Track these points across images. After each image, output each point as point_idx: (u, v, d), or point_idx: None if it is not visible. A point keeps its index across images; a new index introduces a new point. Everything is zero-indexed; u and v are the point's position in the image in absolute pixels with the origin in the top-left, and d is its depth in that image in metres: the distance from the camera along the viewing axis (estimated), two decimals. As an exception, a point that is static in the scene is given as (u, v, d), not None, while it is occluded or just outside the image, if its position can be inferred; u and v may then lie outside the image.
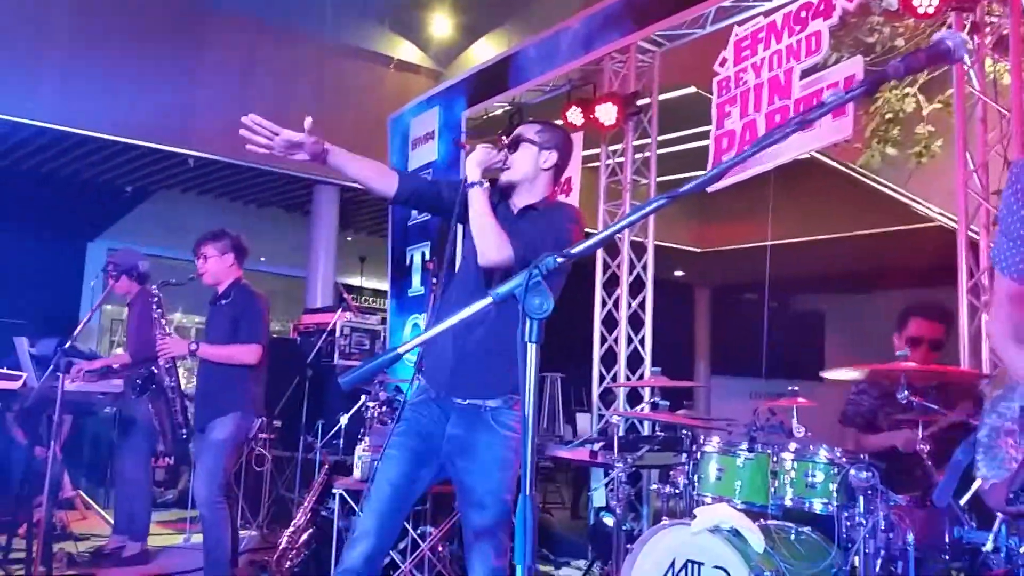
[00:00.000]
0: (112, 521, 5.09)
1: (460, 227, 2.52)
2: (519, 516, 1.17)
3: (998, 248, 1.78)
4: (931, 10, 3.90)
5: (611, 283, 6.17)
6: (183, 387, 4.52)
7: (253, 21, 9.33)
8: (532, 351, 1.15)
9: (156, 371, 4.34)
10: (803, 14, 4.43)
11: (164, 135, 8.81)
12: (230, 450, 4.00)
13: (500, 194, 2.58)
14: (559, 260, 1.18)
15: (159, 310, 4.25)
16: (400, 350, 1.30)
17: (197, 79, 8.88)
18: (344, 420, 4.98)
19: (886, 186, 7.69)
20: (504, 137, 2.57)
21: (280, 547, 4.47)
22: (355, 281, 14.50)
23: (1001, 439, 1.67)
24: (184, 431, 4.33)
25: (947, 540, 2.89)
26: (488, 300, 1.23)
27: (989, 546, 2.64)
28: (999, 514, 2.16)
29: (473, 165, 2.44)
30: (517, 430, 2.38)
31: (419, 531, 4.13)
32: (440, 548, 4.22)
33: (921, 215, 7.89)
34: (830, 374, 3.17)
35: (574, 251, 1.21)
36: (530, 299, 1.15)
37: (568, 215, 2.51)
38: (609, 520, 4.75)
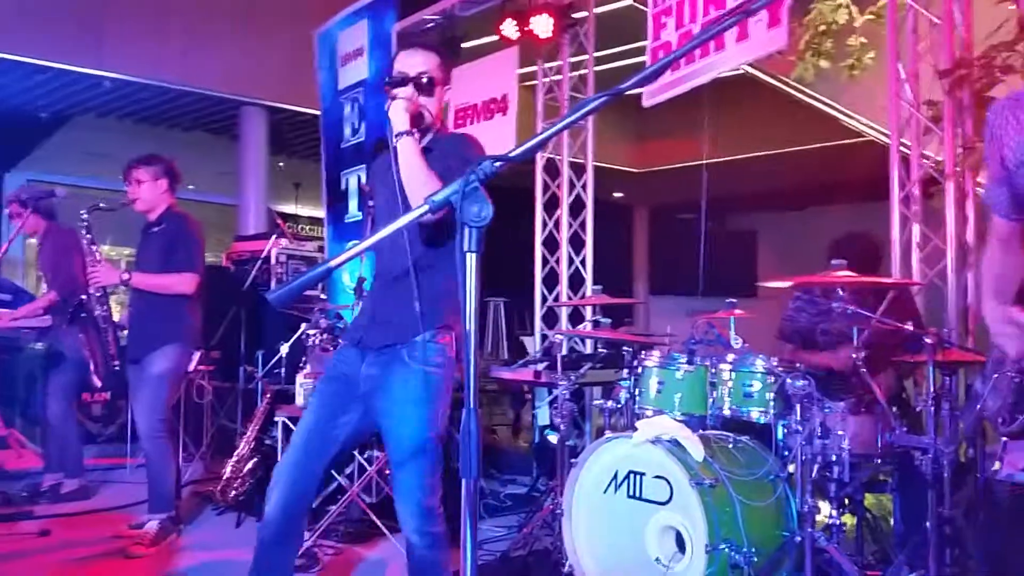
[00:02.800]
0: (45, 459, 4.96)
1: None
2: (463, 430, 1.15)
3: (989, 193, 1.96)
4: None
5: (551, 205, 6.15)
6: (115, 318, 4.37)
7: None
8: (471, 261, 1.11)
9: (86, 299, 4.20)
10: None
11: (76, 55, 8.31)
12: (169, 383, 3.92)
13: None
14: (496, 164, 1.13)
15: (88, 235, 4.08)
16: (332, 264, 1.24)
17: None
18: (284, 348, 4.92)
19: (820, 101, 7.73)
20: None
21: (224, 477, 4.45)
22: (290, 208, 14.13)
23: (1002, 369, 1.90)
24: (117, 363, 4.20)
25: (879, 444, 2.99)
26: (424, 208, 1.18)
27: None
28: (1003, 439, 2.30)
29: (400, 113, 2.29)
30: (439, 364, 2.32)
31: (365, 455, 4.14)
32: (388, 471, 4.23)
33: (854, 130, 7.98)
34: (767, 284, 3.22)
35: (513, 154, 1.16)
36: (467, 206, 1.09)
37: (461, 139, 2.49)
38: (553, 437, 4.83)
